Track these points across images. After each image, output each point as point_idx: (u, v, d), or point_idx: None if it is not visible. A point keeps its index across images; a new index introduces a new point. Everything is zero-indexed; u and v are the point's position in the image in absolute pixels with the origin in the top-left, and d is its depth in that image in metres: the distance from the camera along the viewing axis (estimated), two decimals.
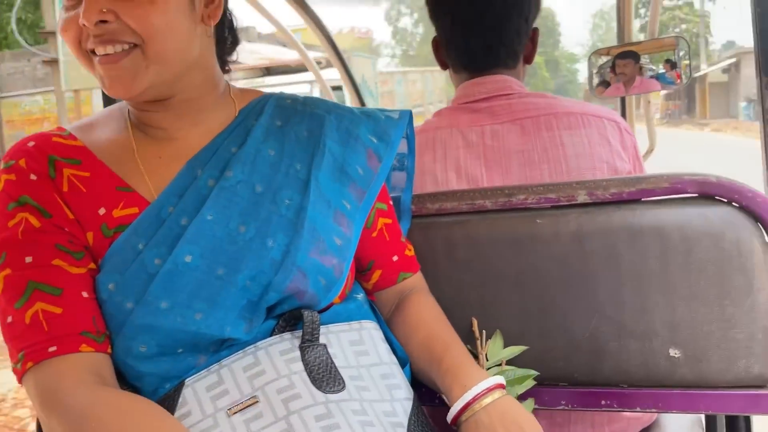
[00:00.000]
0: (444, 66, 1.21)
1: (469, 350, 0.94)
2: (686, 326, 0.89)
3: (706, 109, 33.06)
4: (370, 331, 0.85)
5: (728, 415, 1.02)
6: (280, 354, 0.75)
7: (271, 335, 0.78)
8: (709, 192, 0.89)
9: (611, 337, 0.92)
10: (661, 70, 2.16)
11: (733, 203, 0.88)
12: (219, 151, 0.81)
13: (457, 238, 0.99)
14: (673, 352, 0.89)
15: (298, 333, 0.78)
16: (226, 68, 0.91)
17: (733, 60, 29.70)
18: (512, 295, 0.96)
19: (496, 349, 0.96)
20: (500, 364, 0.94)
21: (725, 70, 32.09)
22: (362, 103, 2.48)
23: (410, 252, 0.96)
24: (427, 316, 0.90)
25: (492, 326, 0.97)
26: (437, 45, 1.21)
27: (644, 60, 2.16)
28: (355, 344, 0.82)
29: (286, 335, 0.78)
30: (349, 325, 0.84)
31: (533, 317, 0.95)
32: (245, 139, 0.83)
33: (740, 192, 0.87)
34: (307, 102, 0.92)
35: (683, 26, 44.07)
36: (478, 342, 0.96)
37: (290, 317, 0.78)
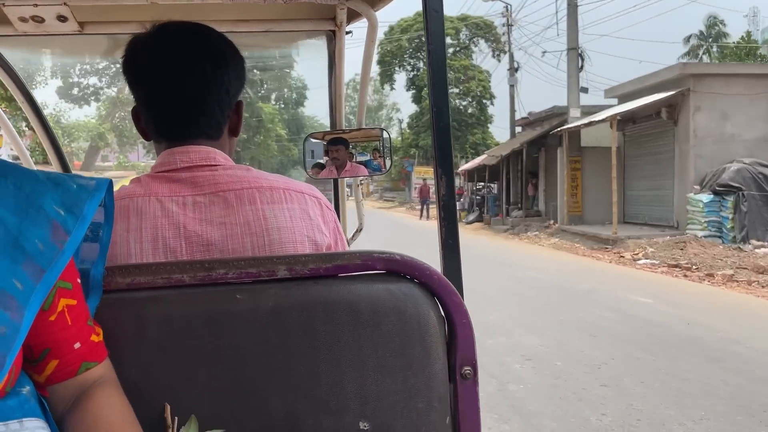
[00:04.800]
0: (146, 137, 1.16)
1: None
2: (374, 398, 0.93)
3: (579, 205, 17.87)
4: (33, 431, 0.72)
5: None
6: None
7: None
8: (394, 269, 0.97)
9: (307, 414, 0.92)
10: (369, 158, 2.37)
11: (415, 279, 0.97)
12: None
13: (149, 315, 0.91)
14: (363, 425, 0.92)
15: None
16: None
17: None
18: (208, 377, 0.91)
19: None
20: None
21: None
22: (66, 169, 2.24)
23: (98, 337, 0.85)
24: (108, 413, 0.79)
25: (186, 411, 0.89)
26: (137, 115, 1.16)
27: (354, 146, 2.35)
28: None
29: None
30: (6, 426, 0.69)
31: (230, 399, 0.91)
32: None
33: (420, 269, 0.96)
34: None
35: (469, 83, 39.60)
36: (170, 430, 0.88)
37: None
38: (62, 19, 1.53)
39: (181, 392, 0.90)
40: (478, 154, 39.83)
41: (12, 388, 0.74)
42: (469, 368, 0.97)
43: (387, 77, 44.32)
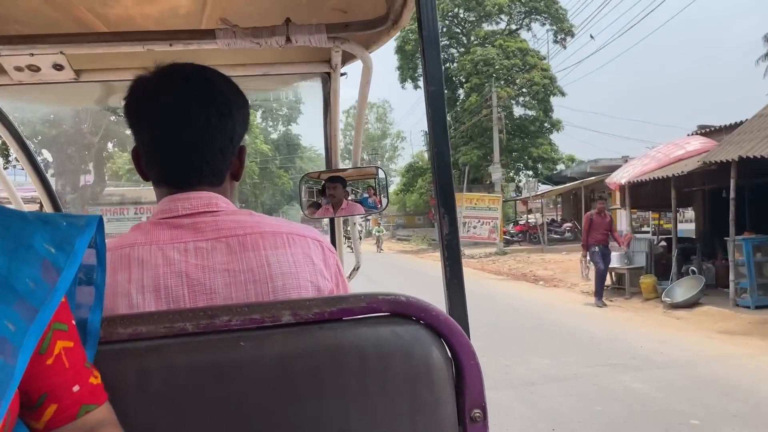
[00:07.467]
0: (146, 177, 1.15)
1: None
2: None
3: None
4: None
5: None
6: None
7: None
8: (400, 311, 0.96)
9: None
10: (365, 196, 2.37)
11: (421, 321, 0.96)
12: None
13: (152, 366, 0.89)
14: None
15: None
16: None
17: None
18: (212, 427, 0.88)
19: None
20: None
21: None
22: (58, 211, 2.23)
23: (96, 379, 0.83)
24: None
25: None
26: (137, 156, 1.15)
27: (350, 185, 2.36)
28: None
29: None
30: None
31: None
32: None
33: (426, 311, 0.95)
34: None
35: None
36: None
37: None
38: (58, 67, 1.54)
39: None
40: (536, 175, 29.62)
41: None
42: (478, 411, 0.95)
43: (409, 71, 32.74)
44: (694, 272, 10.95)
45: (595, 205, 11.99)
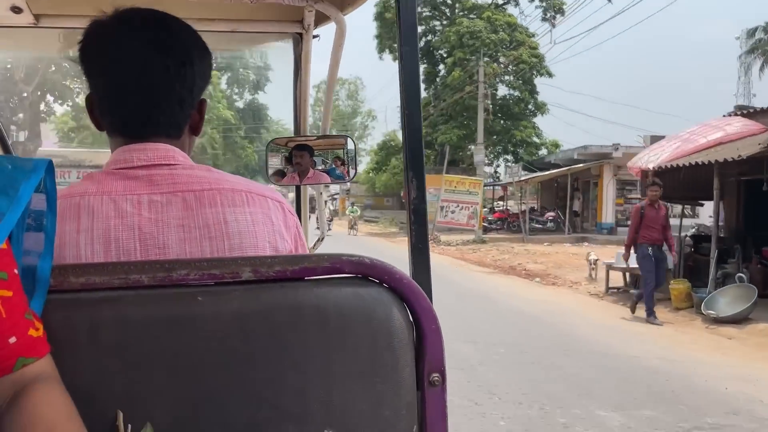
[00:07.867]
0: (99, 127, 1.11)
1: None
2: (340, 405, 0.90)
3: None
4: None
5: None
6: None
7: None
8: (363, 272, 0.94)
9: (270, 422, 0.88)
10: (333, 166, 2.34)
11: (384, 284, 0.95)
12: None
13: (104, 317, 0.87)
14: None
15: None
16: None
17: None
18: (166, 383, 0.86)
19: None
20: None
21: None
22: (7, 151, 2.14)
23: (37, 332, 0.79)
24: (48, 411, 0.74)
25: (141, 418, 0.85)
26: (91, 103, 1.10)
27: (318, 154, 2.33)
28: None
29: None
30: None
31: (189, 406, 0.87)
32: None
33: (389, 273, 0.94)
34: None
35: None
36: None
37: None
38: (17, 10, 1.46)
39: (136, 399, 0.85)
40: (517, 160, 28.17)
41: None
42: (437, 375, 0.95)
43: (388, 41, 30.57)
44: (742, 279, 8.96)
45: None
